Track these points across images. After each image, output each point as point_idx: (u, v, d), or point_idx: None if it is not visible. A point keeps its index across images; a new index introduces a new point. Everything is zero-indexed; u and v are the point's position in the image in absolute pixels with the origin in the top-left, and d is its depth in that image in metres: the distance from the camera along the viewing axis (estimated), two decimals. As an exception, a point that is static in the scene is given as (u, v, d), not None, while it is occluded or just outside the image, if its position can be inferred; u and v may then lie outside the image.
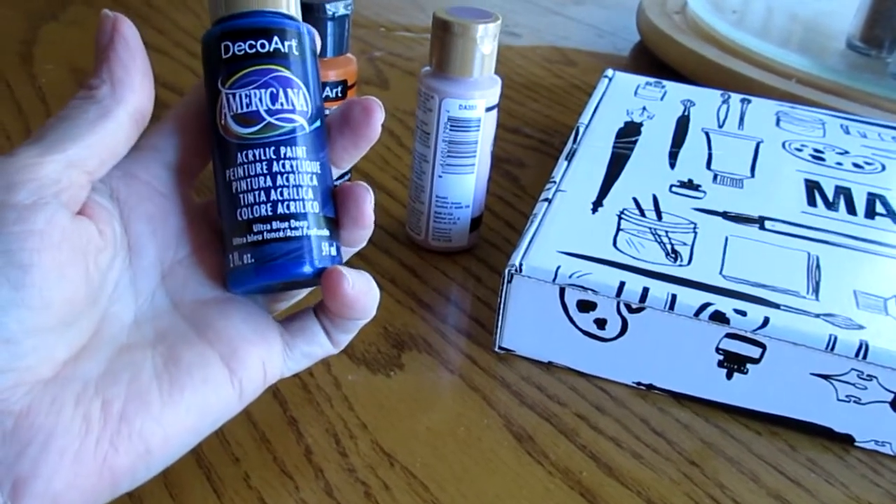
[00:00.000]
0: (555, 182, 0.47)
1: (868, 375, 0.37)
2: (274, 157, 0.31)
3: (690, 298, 0.38)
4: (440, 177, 0.48)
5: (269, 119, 0.31)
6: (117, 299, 0.30)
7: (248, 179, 0.31)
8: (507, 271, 0.40)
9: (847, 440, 0.39)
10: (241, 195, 0.31)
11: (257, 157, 0.31)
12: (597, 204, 0.46)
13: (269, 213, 0.31)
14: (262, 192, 0.31)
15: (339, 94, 0.51)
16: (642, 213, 0.45)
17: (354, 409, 0.39)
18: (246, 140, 0.31)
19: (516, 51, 0.87)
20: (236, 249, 0.31)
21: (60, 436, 0.26)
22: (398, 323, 0.45)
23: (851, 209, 0.48)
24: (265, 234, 0.31)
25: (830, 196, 0.49)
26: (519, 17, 0.99)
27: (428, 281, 0.49)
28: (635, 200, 0.46)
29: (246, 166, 0.31)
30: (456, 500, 0.35)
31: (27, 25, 0.82)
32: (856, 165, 0.54)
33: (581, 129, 0.54)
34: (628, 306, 0.39)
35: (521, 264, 0.40)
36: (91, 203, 0.29)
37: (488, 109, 0.46)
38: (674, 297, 0.38)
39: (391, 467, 0.36)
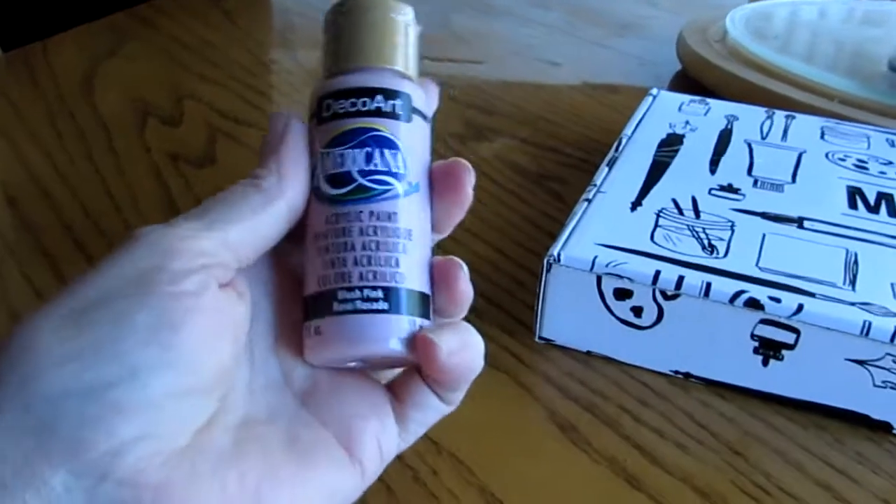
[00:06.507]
0: (595, 185, 0.49)
1: (905, 360, 0.37)
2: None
3: (725, 286, 0.39)
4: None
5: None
6: (238, 365, 0.29)
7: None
8: (545, 261, 0.41)
9: (885, 428, 0.39)
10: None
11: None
12: (636, 204, 0.47)
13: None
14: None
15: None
16: (681, 212, 0.46)
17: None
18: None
19: (558, 79, 0.89)
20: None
21: None
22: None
23: (893, 213, 0.48)
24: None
25: (872, 201, 0.50)
26: (561, 47, 1.01)
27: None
28: (674, 201, 0.47)
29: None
30: (503, 485, 0.36)
31: (88, 62, 0.86)
32: (898, 174, 0.54)
33: (624, 140, 0.55)
34: (664, 294, 0.40)
35: (559, 254, 0.41)
36: (234, 281, 0.28)
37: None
38: (708, 284, 0.39)
39: (438, 454, 0.37)
